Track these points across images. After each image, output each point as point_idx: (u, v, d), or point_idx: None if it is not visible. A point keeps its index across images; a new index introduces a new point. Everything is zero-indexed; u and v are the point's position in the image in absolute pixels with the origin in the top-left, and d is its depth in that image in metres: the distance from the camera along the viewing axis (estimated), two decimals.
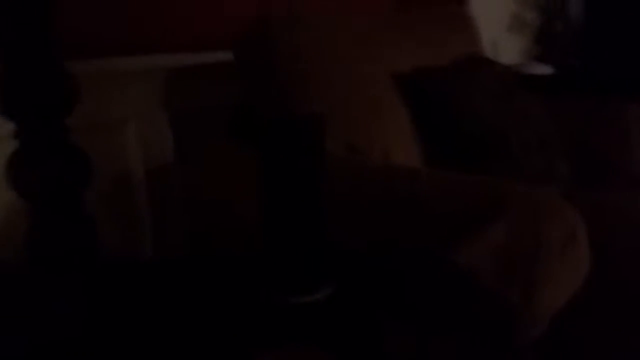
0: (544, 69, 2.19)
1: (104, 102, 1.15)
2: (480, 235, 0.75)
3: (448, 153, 1.24)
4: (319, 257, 0.72)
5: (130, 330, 0.69)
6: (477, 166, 1.20)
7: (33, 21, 0.63)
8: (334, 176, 0.78)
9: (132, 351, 0.65)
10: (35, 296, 0.71)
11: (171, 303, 0.75)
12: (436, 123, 1.26)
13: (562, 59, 2.29)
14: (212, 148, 1.24)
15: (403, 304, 0.80)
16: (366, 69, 1.20)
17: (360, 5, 1.70)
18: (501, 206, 0.77)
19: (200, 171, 1.23)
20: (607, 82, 1.96)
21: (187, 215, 1.27)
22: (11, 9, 0.61)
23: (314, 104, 1.06)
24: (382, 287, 0.80)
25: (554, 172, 1.33)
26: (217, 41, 1.24)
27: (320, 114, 0.69)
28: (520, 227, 0.75)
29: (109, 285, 0.76)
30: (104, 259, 0.75)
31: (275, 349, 0.62)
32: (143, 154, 1.24)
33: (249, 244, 0.87)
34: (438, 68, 1.34)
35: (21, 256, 0.70)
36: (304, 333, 0.67)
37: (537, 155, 1.29)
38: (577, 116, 1.54)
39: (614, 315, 0.89)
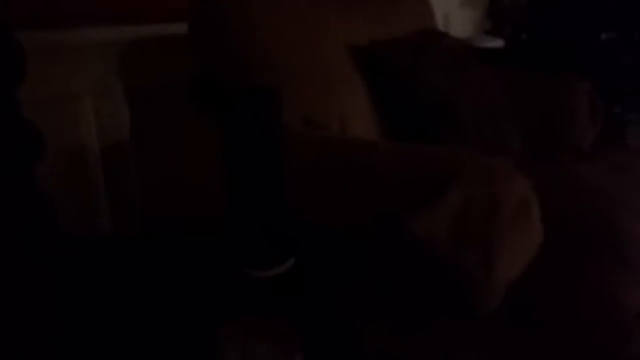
0: (495, 43, 2.23)
1: (59, 76, 1.12)
2: (436, 204, 0.77)
3: (404, 124, 1.26)
4: (280, 230, 0.73)
5: (94, 307, 0.68)
6: (432, 137, 1.22)
7: None
8: (292, 150, 0.78)
9: (95, 327, 0.64)
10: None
11: (133, 278, 0.75)
12: (392, 95, 1.27)
13: (512, 33, 2.34)
14: (169, 122, 1.21)
15: (363, 275, 0.82)
16: (321, 40, 1.20)
17: None
18: (455, 174, 0.79)
19: (157, 146, 1.20)
20: (555, 57, 2.01)
21: (144, 191, 1.25)
22: None
23: (269, 77, 1.05)
24: (342, 259, 0.81)
25: (506, 143, 1.36)
26: (175, 12, 1.20)
27: (277, 87, 0.69)
28: (474, 194, 0.77)
29: (71, 261, 0.75)
30: (62, 235, 0.73)
31: (236, 320, 0.62)
32: (99, 128, 1.21)
33: (207, 218, 0.86)
34: (393, 40, 1.35)
35: None
36: (265, 306, 0.67)
37: (489, 126, 1.32)
38: (527, 90, 1.57)
39: (565, 285, 0.93)
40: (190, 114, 1.15)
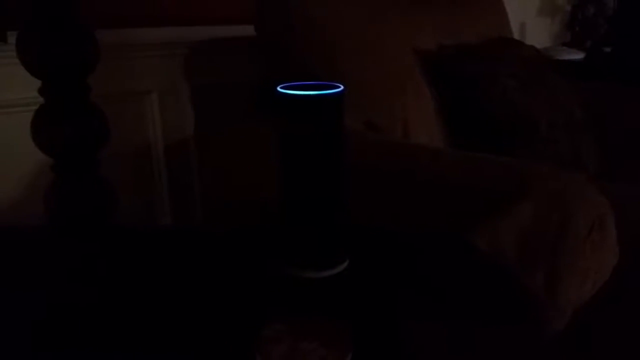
0: (574, 55, 2.13)
1: (129, 73, 1.16)
2: (504, 218, 0.73)
3: (472, 135, 1.21)
4: (336, 232, 0.71)
5: (145, 297, 0.69)
6: (502, 150, 1.16)
7: None
8: (353, 151, 0.76)
9: (146, 318, 0.65)
10: (53, 258, 0.72)
11: (186, 272, 0.75)
12: (460, 103, 1.23)
13: (593, 44, 2.23)
14: (232, 122, 1.23)
15: (422, 286, 0.78)
16: (389, 44, 1.17)
17: None
18: (527, 187, 0.74)
19: (218, 144, 1.22)
20: (638, 71, 1.90)
21: (205, 188, 1.27)
22: None
23: (335, 78, 1.03)
24: (400, 267, 0.78)
25: (582, 159, 1.29)
26: (243, 15, 1.22)
27: (341, 87, 0.67)
28: (546, 211, 0.73)
29: (125, 249, 0.76)
30: (122, 223, 0.75)
31: (287, 319, 0.60)
32: (164, 125, 1.24)
33: (266, 218, 0.86)
34: (464, 47, 1.30)
35: (42, 222, 0.72)
36: (317, 307, 0.66)
37: (565, 140, 1.25)
38: (607, 104, 1.49)
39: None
40: (253, 113, 1.15)
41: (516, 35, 1.80)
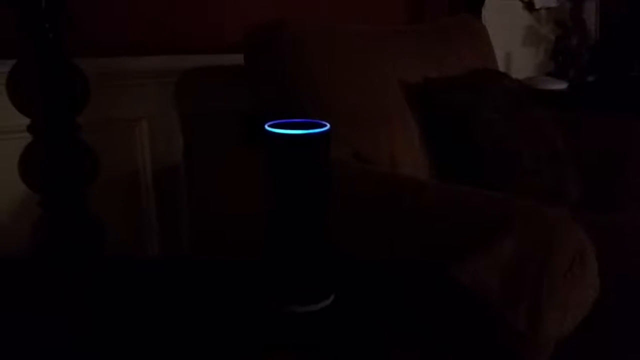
0: (558, 85, 2.17)
1: (117, 101, 1.16)
2: (487, 251, 0.74)
3: (456, 166, 1.23)
4: (321, 266, 0.71)
5: (131, 327, 0.69)
6: (485, 180, 1.18)
7: (48, 20, 0.65)
8: (339, 184, 0.77)
9: (133, 348, 0.65)
10: (40, 293, 0.71)
11: (169, 303, 0.75)
12: (445, 135, 1.25)
13: (576, 74, 2.27)
14: (221, 151, 1.23)
15: (405, 318, 0.79)
16: (375, 76, 1.19)
17: (371, 15, 1.70)
18: (509, 222, 0.75)
19: (206, 173, 1.22)
20: (623, 101, 1.94)
21: (192, 216, 1.27)
22: (25, 7, 0.63)
23: (321, 110, 1.05)
24: (384, 300, 0.79)
25: (564, 190, 1.31)
26: (232, 44, 1.24)
27: (327, 125, 0.68)
28: (528, 245, 0.74)
29: (113, 281, 0.76)
30: (109, 255, 0.75)
31: (273, 355, 0.61)
32: (152, 153, 1.24)
33: (253, 249, 0.86)
34: (449, 79, 1.33)
35: (30, 253, 0.71)
36: (303, 342, 0.66)
37: (547, 172, 1.27)
38: (591, 134, 1.52)
39: (623, 344, 0.87)
40: (241, 144, 1.16)
41: (501, 65, 1.83)
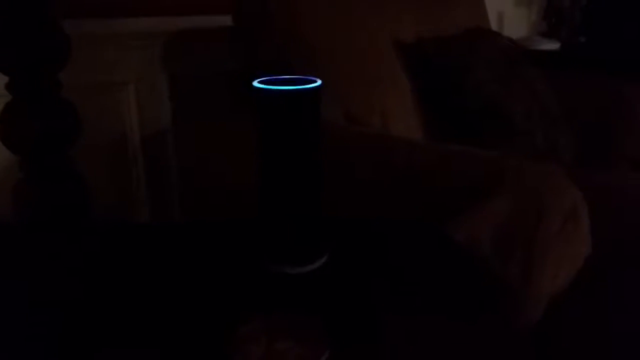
0: (550, 45, 2.15)
1: (105, 63, 1.14)
2: (480, 209, 0.73)
3: (449, 125, 1.22)
4: (314, 227, 0.71)
5: (122, 291, 0.68)
6: (478, 139, 1.18)
7: None
8: (330, 145, 0.76)
9: (119, 315, 0.64)
10: (22, 257, 0.70)
11: (161, 266, 0.74)
12: (437, 94, 1.23)
13: (568, 35, 2.25)
14: (210, 114, 1.22)
15: (398, 278, 0.79)
16: (367, 36, 1.17)
17: None
18: (501, 179, 0.75)
19: (195, 136, 1.21)
20: (614, 61, 1.93)
21: (182, 180, 1.26)
22: None
23: (312, 69, 1.03)
24: (377, 259, 0.79)
25: (557, 148, 1.31)
26: (220, 5, 1.20)
27: (318, 81, 0.66)
28: (521, 202, 0.74)
29: (98, 245, 0.75)
30: (99, 219, 0.74)
31: (265, 315, 0.60)
32: (141, 117, 1.22)
33: (242, 211, 0.85)
34: (441, 38, 1.31)
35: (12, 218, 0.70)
36: (296, 303, 0.66)
37: (539, 130, 1.27)
38: (582, 94, 1.51)
39: (615, 303, 0.88)
40: (230, 106, 1.14)
41: (494, 25, 1.81)
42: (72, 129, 0.69)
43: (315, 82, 0.66)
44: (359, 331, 0.64)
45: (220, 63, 1.24)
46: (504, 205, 0.73)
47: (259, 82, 0.66)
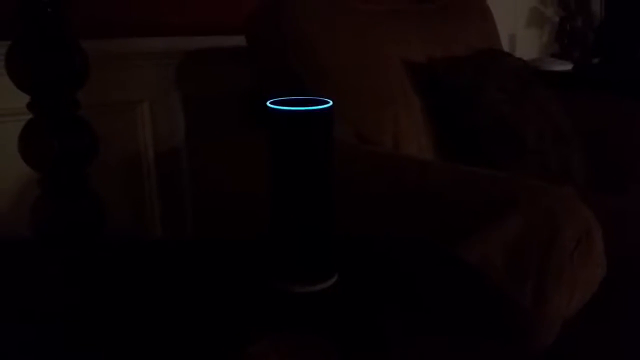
0: (562, 66, 2.15)
1: (119, 82, 1.16)
2: (492, 231, 0.73)
3: (461, 146, 1.22)
4: (325, 246, 0.71)
5: (130, 308, 0.68)
6: (490, 159, 1.17)
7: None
8: (342, 164, 0.76)
9: (132, 329, 0.64)
10: (38, 272, 0.71)
11: (173, 283, 0.74)
12: (449, 114, 1.23)
13: (581, 56, 2.25)
14: (224, 133, 1.23)
15: (409, 299, 0.79)
16: (378, 56, 1.18)
17: None
18: (514, 201, 0.75)
19: (210, 156, 1.21)
20: (627, 82, 1.92)
21: (195, 198, 1.27)
22: None
23: (324, 90, 1.04)
24: (388, 279, 0.78)
25: (569, 169, 1.30)
26: (234, 25, 1.22)
27: (329, 100, 0.67)
28: (534, 224, 0.73)
29: (114, 262, 0.76)
30: (111, 236, 0.74)
31: (275, 334, 0.60)
32: (155, 135, 1.24)
33: (256, 230, 0.85)
34: (452, 59, 1.31)
35: (29, 234, 0.71)
36: (305, 322, 0.65)
37: (552, 152, 1.26)
38: (595, 116, 1.50)
39: (630, 325, 0.87)
40: (243, 125, 1.15)
41: (506, 47, 1.81)
42: (89, 147, 0.70)
43: (327, 102, 0.66)
44: (368, 351, 0.64)
45: (233, 83, 1.25)
46: (517, 226, 0.73)
47: (271, 103, 0.66)
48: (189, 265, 0.80)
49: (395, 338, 0.68)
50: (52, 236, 0.69)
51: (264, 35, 1.12)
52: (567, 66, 2.15)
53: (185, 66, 1.25)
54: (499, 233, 0.72)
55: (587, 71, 2.14)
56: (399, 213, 0.83)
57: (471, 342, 0.73)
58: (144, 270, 0.78)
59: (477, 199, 0.78)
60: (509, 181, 0.81)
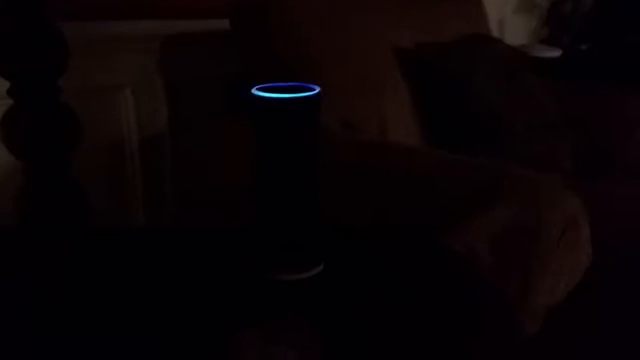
0: (552, 52, 2.14)
1: (101, 67, 1.13)
2: (478, 219, 0.73)
3: (449, 132, 1.21)
4: (311, 234, 0.70)
5: (115, 297, 0.68)
6: (478, 147, 1.17)
7: None
8: (328, 151, 0.75)
9: (117, 318, 0.64)
10: (21, 260, 0.70)
11: (158, 271, 0.74)
12: (437, 101, 1.23)
13: (570, 42, 2.25)
14: (207, 118, 1.21)
15: (394, 286, 0.78)
16: (366, 42, 1.17)
17: None
18: (500, 189, 0.74)
19: (192, 141, 1.20)
20: (616, 69, 1.92)
21: (178, 185, 1.26)
22: None
23: (309, 77, 1.03)
24: (373, 267, 0.78)
25: (557, 158, 1.30)
26: (217, 9, 1.20)
27: (316, 87, 0.66)
28: (519, 212, 0.73)
29: (96, 250, 0.75)
30: (94, 224, 0.74)
31: (258, 323, 0.60)
32: (138, 120, 1.22)
33: (239, 218, 0.85)
34: (441, 44, 1.30)
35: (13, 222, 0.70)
36: (292, 310, 0.65)
37: (540, 138, 1.26)
38: (583, 103, 1.51)
39: (615, 312, 0.87)
40: (227, 111, 1.14)
41: (495, 32, 1.80)
42: (71, 134, 0.69)
43: (314, 89, 0.65)
44: (352, 338, 0.64)
45: (217, 67, 1.23)
46: (502, 215, 0.72)
47: (256, 89, 0.65)
48: (174, 253, 0.80)
49: (379, 326, 0.68)
50: (36, 225, 0.69)
51: (250, 21, 1.11)
52: (556, 52, 2.15)
53: (169, 50, 1.23)
54: (484, 222, 0.72)
55: (576, 57, 2.14)
56: (384, 201, 0.82)
57: (456, 331, 0.74)
58: (128, 259, 0.77)
59: (461, 187, 0.78)
60: (493, 169, 0.80)
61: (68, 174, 0.71)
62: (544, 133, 1.28)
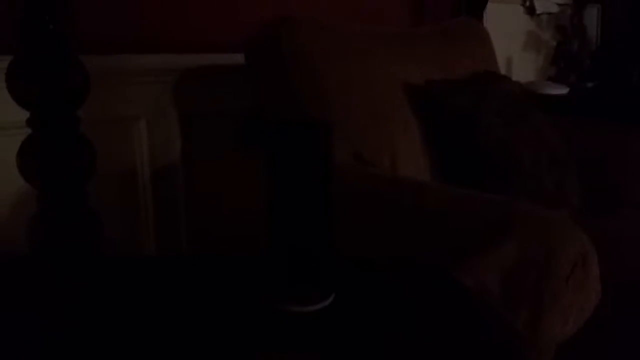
0: (559, 90, 2.16)
1: (117, 98, 1.16)
2: (488, 255, 0.73)
3: (458, 168, 1.22)
4: (321, 266, 0.71)
5: (127, 326, 0.68)
6: (487, 181, 1.17)
7: (49, 14, 0.64)
8: (340, 185, 0.76)
9: (129, 347, 0.64)
10: (34, 288, 0.70)
11: (170, 301, 0.74)
12: (446, 136, 1.24)
13: (577, 80, 2.27)
14: (220, 151, 1.23)
15: (405, 320, 0.78)
16: (377, 78, 1.19)
17: (373, 17, 1.69)
18: (510, 225, 0.75)
19: (206, 174, 1.21)
20: (621, 106, 1.93)
21: (190, 216, 1.26)
22: (28, 2, 0.62)
23: (324, 111, 1.05)
24: (384, 301, 0.78)
25: (564, 192, 1.30)
26: (231, 43, 1.23)
27: (328, 122, 0.67)
28: (529, 249, 0.73)
29: (109, 279, 0.75)
30: (106, 253, 0.74)
31: (272, 355, 0.60)
32: (151, 152, 1.23)
33: (251, 250, 0.85)
34: (450, 81, 1.32)
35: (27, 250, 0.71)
36: (302, 342, 0.65)
37: (547, 176, 1.27)
38: (589, 139, 1.51)
39: (624, 350, 0.87)
40: (239, 143, 1.15)
41: (503, 69, 1.83)
42: (88, 163, 0.69)
43: (326, 124, 0.67)
44: None
45: (230, 100, 1.25)
46: (512, 250, 0.73)
47: (271, 124, 0.67)
48: (184, 282, 0.80)
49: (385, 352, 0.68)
50: (49, 253, 0.69)
51: (265, 56, 1.13)
52: (563, 90, 2.17)
53: (183, 83, 1.25)
54: (494, 257, 0.72)
55: (583, 95, 2.16)
56: (395, 235, 0.83)
57: None
58: (138, 288, 0.78)
59: (472, 222, 0.78)
60: (505, 205, 0.81)
61: (84, 203, 0.72)
62: (551, 169, 1.29)
